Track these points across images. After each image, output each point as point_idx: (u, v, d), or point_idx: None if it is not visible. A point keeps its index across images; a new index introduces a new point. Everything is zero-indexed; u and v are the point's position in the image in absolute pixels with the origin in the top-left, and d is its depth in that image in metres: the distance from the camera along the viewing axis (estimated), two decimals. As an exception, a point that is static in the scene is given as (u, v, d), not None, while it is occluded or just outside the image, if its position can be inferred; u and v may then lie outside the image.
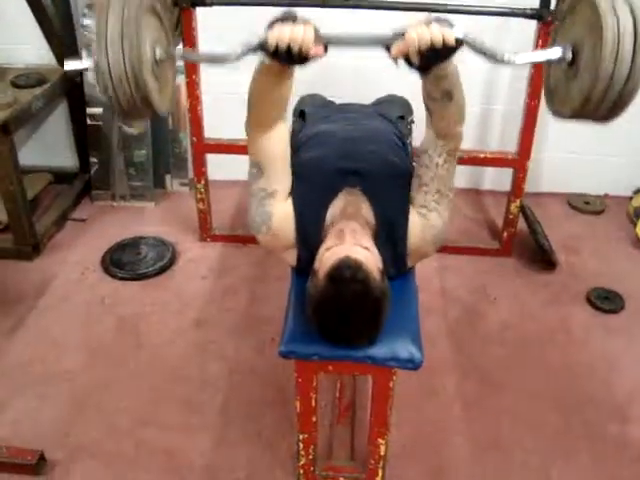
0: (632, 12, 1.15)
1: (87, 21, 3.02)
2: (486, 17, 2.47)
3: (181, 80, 2.73)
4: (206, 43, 2.61)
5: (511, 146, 2.78)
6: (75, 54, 3.09)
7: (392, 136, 1.91)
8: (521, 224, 2.94)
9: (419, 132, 2.20)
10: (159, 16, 1.37)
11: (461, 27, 1.29)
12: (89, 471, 1.97)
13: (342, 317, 1.42)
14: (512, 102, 3.07)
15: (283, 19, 1.31)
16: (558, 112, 1.36)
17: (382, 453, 1.77)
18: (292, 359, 1.59)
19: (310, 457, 1.82)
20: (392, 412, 1.69)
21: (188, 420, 2.13)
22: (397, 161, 1.73)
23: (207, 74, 2.68)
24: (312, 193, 1.62)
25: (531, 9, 2.35)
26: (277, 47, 1.30)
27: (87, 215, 3.21)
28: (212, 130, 2.78)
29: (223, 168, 3.21)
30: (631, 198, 3.30)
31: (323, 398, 2.09)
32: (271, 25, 1.32)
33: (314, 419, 1.73)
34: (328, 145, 1.78)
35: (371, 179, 1.63)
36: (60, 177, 3.36)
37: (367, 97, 2.36)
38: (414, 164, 1.71)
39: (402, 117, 2.15)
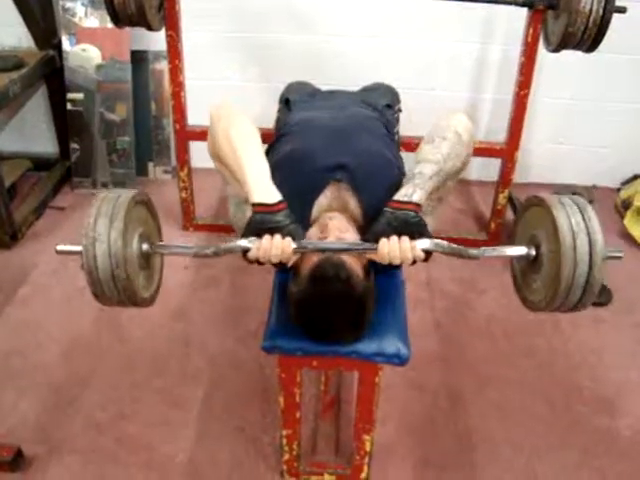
0: (581, 212, 1.32)
1: (68, 3, 2.95)
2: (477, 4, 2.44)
3: (164, 65, 2.67)
4: (188, 29, 2.57)
5: (500, 136, 2.75)
6: (54, 36, 3.02)
7: (379, 125, 1.85)
8: (509, 215, 2.91)
9: (406, 121, 2.21)
10: (148, 207, 1.44)
11: (427, 241, 1.37)
12: (68, 467, 1.92)
13: (325, 316, 1.38)
14: (501, 91, 3.04)
15: (261, 231, 1.36)
16: (533, 304, 1.43)
17: (367, 449, 1.74)
18: (275, 354, 1.55)
19: (294, 453, 1.79)
20: (377, 407, 1.65)
21: (169, 414, 2.08)
22: (384, 152, 1.67)
23: (191, 59, 2.62)
24: (296, 191, 1.49)
25: (522, -4, 2.31)
26: (258, 259, 1.38)
27: (67, 203, 3.14)
28: (196, 117, 2.72)
29: (207, 156, 3.15)
30: (619, 189, 3.29)
31: (307, 391, 2.06)
32: (249, 229, 1.37)
33: (298, 415, 1.69)
34: (313, 137, 1.70)
35: (358, 172, 1.55)
36: (39, 164, 3.28)
37: (354, 84, 2.31)
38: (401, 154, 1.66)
39: (389, 106, 2.09)
